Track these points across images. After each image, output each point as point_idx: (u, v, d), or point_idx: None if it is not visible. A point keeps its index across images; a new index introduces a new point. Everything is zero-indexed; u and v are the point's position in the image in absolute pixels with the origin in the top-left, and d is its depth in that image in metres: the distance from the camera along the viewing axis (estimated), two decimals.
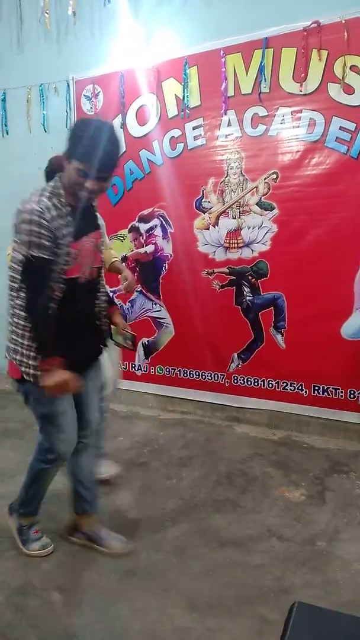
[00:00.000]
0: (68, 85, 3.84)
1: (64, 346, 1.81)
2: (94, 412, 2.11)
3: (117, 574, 2.01)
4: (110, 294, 2.18)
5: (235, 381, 3.55)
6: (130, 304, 3.89)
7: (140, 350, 3.89)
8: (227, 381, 3.57)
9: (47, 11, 3.78)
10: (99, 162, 1.71)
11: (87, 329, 1.99)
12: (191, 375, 3.70)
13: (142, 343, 3.88)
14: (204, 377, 3.66)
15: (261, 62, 3.13)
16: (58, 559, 2.10)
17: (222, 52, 3.24)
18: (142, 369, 3.91)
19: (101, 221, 2.72)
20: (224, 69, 3.26)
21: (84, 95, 3.80)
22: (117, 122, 3.69)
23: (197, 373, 3.68)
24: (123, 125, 3.67)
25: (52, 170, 2.51)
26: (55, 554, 2.13)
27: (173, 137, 3.51)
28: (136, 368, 3.93)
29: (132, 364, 3.94)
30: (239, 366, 3.52)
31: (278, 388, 3.41)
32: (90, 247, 1.90)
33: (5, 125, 4.19)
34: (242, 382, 3.52)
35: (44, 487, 2.14)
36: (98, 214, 2.04)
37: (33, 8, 3.89)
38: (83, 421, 2.06)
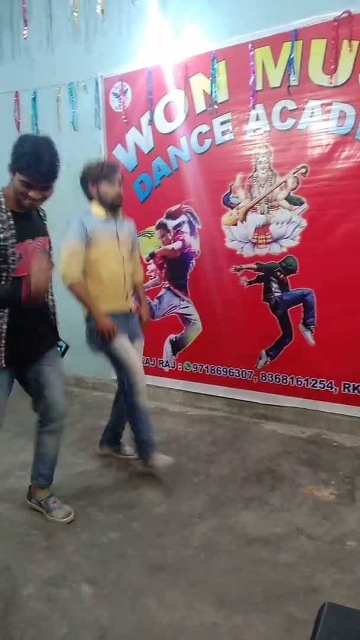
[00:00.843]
0: (97, 83, 3.87)
1: (16, 336, 2.04)
2: (57, 396, 2.28)
3: (146, 568, 2.03)
4: (54, 298, 2.28)
5: (264, 378, 3.52)
6: (157, 301, 3.91)
7: (167, 346, 3.90)
8: (255, 378, 3.55)
9: (76, 10, 3.82)
10: (39, 174, 1.91)
11: (37, 323, 2.15)
12: (219, 372, 3.70)
13: (170, 339, 3.89)
14: (231, 373, 3.65)
15: (290, 55, 3.08)
16: (87, 552, 2.13)
17: (250, 45, 3.21)
18: (170, 366, 3.92)
19: (132, 226, 2.83)
20: (252, 63, 3.23)
21: (113, 92, 3.82)
22: (145, 119, 3.70)
23: (224, 370, 3.67)
24: (151, 122, 3.68)
25: (85, 177, 2.68)
26: (85, 548, 2.16)
27: (201, 132, 3.50)
28: (164, 364, 3.95)
29: (159, 361, 3.96)
30: (267, 363, 3.50)
31: (307, 385, 3.37)
32: (36, 250, 2.06)
33: (36, 125, 4.25)
34: (271, 379, 3.49)
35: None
36: (45, 222, 2.21)
37: (62, 8, 3.93)
38: (47, 405, 2.26)
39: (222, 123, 3.41)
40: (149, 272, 3.91)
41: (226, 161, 3.44)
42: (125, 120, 3.79)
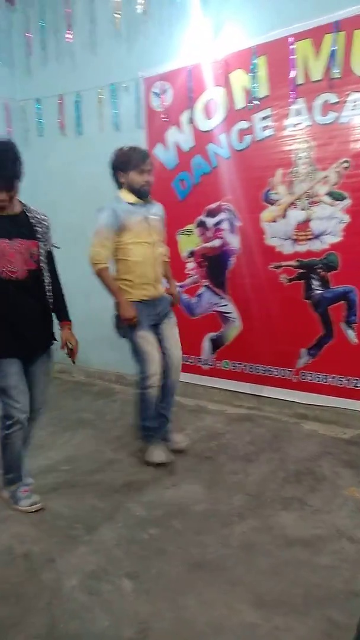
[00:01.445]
0: (137, 83, 3.90)
1: (9, 334, 2.28)
2: (39, 395, 2.48)
3: (185, 565, 2.05)
4: (50, 300, 2.44)
5: (304, 377, 3.47)
6: (197, 299, 3.92)
7: (206, 344, 3.91)
8: (295, 377, 3.51)
9: (118, 12, 3.85)
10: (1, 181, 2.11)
11: (25, 321, 2.33)
12: (258, 371, 3.67)
13: (209, 338, 3.90)
14: (271, 372, 3.62)
15: (332, 47, 3.01)
16: (128, 547, 2.17)
17: (291, 39, 3.15)
18: (209, 364, 3.93)
19: (160, 208, 2.87)
20: (293, 57, 3.17)
21: (153, 92, 3.85)
22: (185, 117, 3.71)
23: (264, 368, 3.64)
24: (191, 120, 3.68)
25: (115, 164, 2.71)
26: (126, 543, 2.20)
27: (241, 129, 3.47)
28: (202, 362, 3.95)
29: (198, 359, 3.97)
30: (308, 362, 3.44)
31: (349, 385, 3.30)
32: (12, 251, 2.24)
33: (79, 126, 4.33)
34: (311, 378, 3.44)
35: (15, 453, 2.44)
36: (36, 228, 2.37)
37: (104, 10, 3.98)
38: (33, 402, 2.43)
39: (263, 119, 3.38)
40: (188, 271, 3.92)
41: (266, 157, 3.41)
42: (165, 119, 3.80)
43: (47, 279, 2.40)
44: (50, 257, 2.45)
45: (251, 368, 3.71)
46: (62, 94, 4.36)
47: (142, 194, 2.71)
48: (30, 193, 4.83)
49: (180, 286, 3.98)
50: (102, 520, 2.37)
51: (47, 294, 2.41)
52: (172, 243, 3.92)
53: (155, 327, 2.87)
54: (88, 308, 3.82)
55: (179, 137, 3.78)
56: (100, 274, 2.68)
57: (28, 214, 2.38)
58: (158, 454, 2.84)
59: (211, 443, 3.16)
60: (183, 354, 3.97)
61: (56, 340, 2.51)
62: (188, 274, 3.93)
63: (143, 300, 2.75)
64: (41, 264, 2.36)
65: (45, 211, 4.91)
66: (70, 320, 2.57)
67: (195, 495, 2.57)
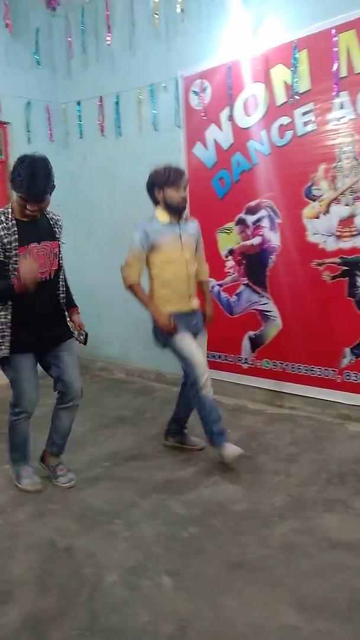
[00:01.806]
0: (176, 83, 3.91)
1: (27, 331, 2.41)
2: (74, 380, 2.61)
3: (225, 565, 2.03)
4: (62, 294, 2.61)
5: (348, 377, 3.38)
6: (236, 297, 3.88)
7: (246, 343, 3.87)
8: (339, 377, 3.42)
9: (157, 12, 3.87)
10: (31, 194, 2.27)
11: (46, 316, 2.50)
12: (299, 370, 3.60)
13: (249, 336, 3.86)
14: (313, 372, 3.54)
15: None
16: (168, 544, 2.17)
17: (333, 31, 3.08)
18: (249, 363, 3.89)
19: (195, 226, 2.93)
20: (336, 49, 3.10)
21: (192, 90, 3.85)
22: (224, 115, 3.69)
23: (306, 368, 3.57)
24: (230, 117, 3.66)
25: (152, 183, 2.79)
26: (165, 540, 2.21)
27: (282, 124, 3.42)
28: (242, 361, 3.92)
29: (238, 357, 3.93)
30: (352, 362, 3.35)
31: None
32: (42, 253, 2.41)
33: (119, 127, 4.39)
34: (355, 378, 3.35)
35: (20, 436, 2.65)
36: (55, 229, 2.54)
37: (143, 11, 4.01)
38: (66, 387, 2.60)
39: (304, 113, 3.31)
40: (228, 269, 3.90)
41: (308, 152, 3.34)
42: (204, 118, 3.79)
43: (62, 276, 2.59)
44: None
45: (292, 367, 3.64)
46: (102, 95, 4.43)
47: (178, 210, 2.79)
48: (71, 194, 4.96)
49: (219, 285, 3.96)
50: (142, 516, 2.38)
51: (61, 288, 2.59)
52: (211, 241, 3.92)
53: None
54: (127, 307, 3.84)
55: (219, 135, 3.76)
56: (131, 289, 2.80)
57: (47, 215, 2.53)
58: (233, 448, 2.76)
59: (251, 443, 3.13)
60: (222, 352, 3.98)
61: (69, 332, 2.64)
62: (227, 272, 3.90)
63: (179, 312, 2.82)
64: (61, 262, 2.56)
65: (85, 211, 5.05)
66: (77, 306, 2.74)
67: (235, 495, 2.54)
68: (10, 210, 2.37)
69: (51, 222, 2.53)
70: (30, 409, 2.57)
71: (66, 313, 2.64)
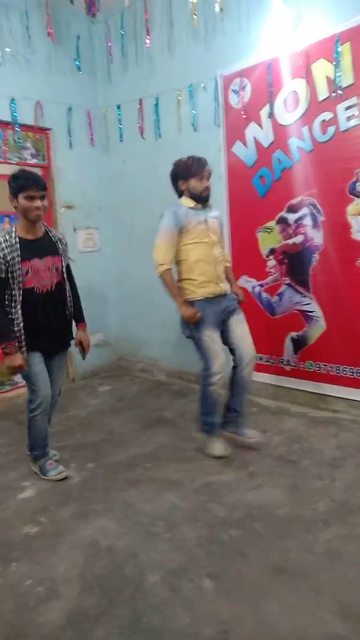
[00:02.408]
0: (216, 82, 3.89)
1: (35, 334, 2.67)
2: (57, 384, 2.89)
3: (267, 569, 2.00)
4: (70, 308, 2.87)
5: None
6: (277, 298, 3.82)
7: (288, 344, 3.80)
8: None
9: (195, 12, 3.87)
10: (37, 183, 2.56)
11: (51, 327, 2.74)
12: (344, 372, 3.51)
13: (291, 337, 3.79)
14: (359, 374, 3.44)
15: None
16: (209, 547, 2.16)
17: None
18: (291, 364, 3.82)
19: (218, 213, 3.02)
20: None
21: (232, 89, 3.82)
22: (264, 113, 3.64)
23: (351, 370, 3.47)
24: (270, 115, 3.60)
25: (175, 174, 2.89)
26: (206, 543, 2.19)
27: (324, 120, 3.34)
28: (284, 363, 3.85)
29: (280, 359, 3.87)
30: None
31: None
32: (43, 267, 2.68)
33: (158, 129, 4.41)
34: None
35: (40, 432, 2.83)
36: (59, 247, 2.79)
37: (182, 12, 4.01)
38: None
39: (347, 108, 3.22)
40: (269, 269, 3.84)
41: (352, 148, 3.24)
42: (244, 116, 3.76)
43: (68, 289, 2.83)
44: (68, 269, 2.87)
45: (337, 369, 3.55)
46: (141, 98, 4.46)
47: (202, 199, 2.88)
48: (112, 197, 5.03)
49: (260, 285, 3.91)
50: (183, 518, 2.38)
51: (68, 301, 2.83)
52: (252, 241, 3.88)
53: (223, 324, 2.94)
54: (169, 310, 3.85)
55: (259, 133, 3.71)
56: (163, 276, 2.84)
57: (50, 234, 2.79)
58: (219, 447, 2.93)
59: (294, 446, 3.07)
60: (264, 354, 3.91)
61: (73, 339, 2.92)
62: (269, 272, 3.84)
63: (207, 297, 2.86)
64: (64, 276, 2.80)
65: (126, 214, 5.12)
66: (84, 322, 2.97)
67: (278, 499, 2.50)
68: (14, 229, 2.65)
69: (54, 240, 2.79)
70: (46, 402, 2.75)
71: (70, 327, 2.90)
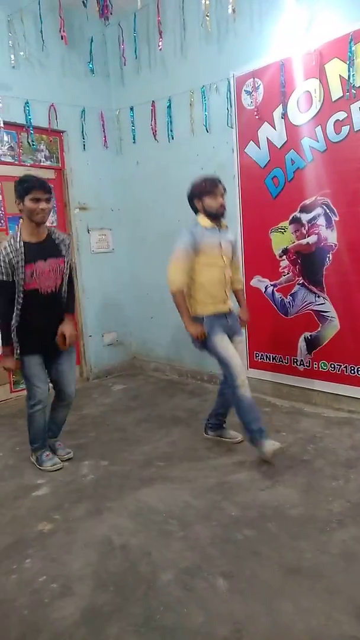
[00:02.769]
0: (228, 83, 3.89)
1: (34, 336, 2.78)
2: (68, 386, 2.99)
3: (281, 569, 1.99)
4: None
5: None
6: (291, 298, 3.81)
7: (302, 344, 3.79)
8: None
9: (208, 14, 3.88)
10: (42, 186, 2.65)
11: (50, 326, 2.83)
12: (359, 372, 3.48)
13: (305, 337, 3.77)
14: None
15: None
16: (222, 546, 2.16)
17: None
18: (305, 365, 3.80)
19: (232, 235, 3.13)
20: None
21: (244, 90, 3.82)
22: (277, 113, 3.63)
23: None
24: (284, 115, 3.60)
25: (191, 194, 2.99)
26: (220, 542, 2.19)
27: (337, 120, 3.33)
28: (298, 363, 3.83)
29: (293, 359, 3.85)
30: None
31: None
32: (47, 269, 2.76)
33: (171, 131, 4.42)
34: None
35: (39, 427, 2.96)
36: (61, 248, 2.85)
37: (195, 14, 4.03)
38: (60, 390, 2.99)
39: None
40: (282, 269, 3.83)
41: None
42: (257, 117, 3.75)
43: (65, 286, 2.89)
44: (71, 268, 2.94)
45: (352, 369, 3.52)
46: (154, 100, 4.48)
47: (217, 216, 2.97)
48: (125, 199, 5.05)
49: (273, 285, 3.91)
50: (197, 517, 2.38)
51: (63, 300, 2.91)
52: (265, 241, 3.87)
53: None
54: None
55: (272, 133, 3.71)
56: (174, 295, 2.92)
57: (53, 236, 2.86)
58: (271, 444, 2.84)
59: (308, 446, 3.05)
60: (277, 354, 3.92)
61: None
62: (282, 272, 3.83)
63: (215, 313, 2.97)
64: (65, 277, 2.88)
65: (139, 216, 5.15)
66: (72, 314, 3.00)
67: (291, 499, 2.49)
68: (19, 234, 2.73)
69: (57, 242, 2.86)
70: (43, 400, 2.89)
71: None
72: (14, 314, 2.74)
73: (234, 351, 2.92)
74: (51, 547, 2.24)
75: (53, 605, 1.88)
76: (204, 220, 2.97)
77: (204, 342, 2.96)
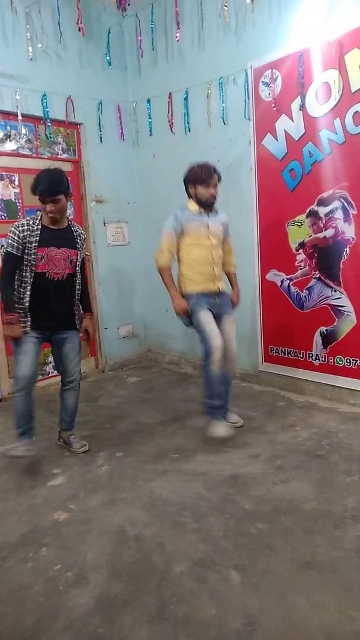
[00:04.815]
0: (246, 74, 3.85)
1: (39, 312, 2.84)
2: (72, 367, 3.05)
3: (295, 564, 1.99)
4: (77, 297, 3.03)
5: None
6: (307, 292, 3.78)
7: (317, 339, 3.76)
8: None
9: (226, 4, 3.84)
10: (46, 191, 2.72)
11: (57, 309, 2.91)
12: None
13: (320, 332, 3.74)
14: None
15: None
16: (236, 539, 2.16)
17: None
18: (320, 359, 3.77)
19: (224, 218, 3.24)
20: None
21: (262, 81, 3.78)
22: (295, 105, 3.59)
23: None
24: (302, 107, 3.55)
25: (186, 178, 3.13)
26: (233, 535, 2.19)
27: (357, 112, 3.27)
28: (313, 358, 3.81)
29: (309, 354, 3.83)
30: None
31: None
32: (59, 257, 2.85)
33: (188, 123, 4.40)
34: None
35: (20, 412, 2.91)
36: (77, 241, 2.95)
37: (212, 5, 3.99)
38: (64, 370, 3.06)
39: None
40: (298, 262, 3.80)
41: None
42: (275, 109, 3.71)
43: (78, 280, 2.99)
44: (82, 263, 3.03)
45: None
46: (171, 92, 4.45)
47: (206, 205, 3.09)
48: (141, 192, 5.05)
49: (289, 279, 3.88)
50: (210, 510, 2.39)
51: (77, 292, 3.00)
52: (281, 235, 3.84)
53: (216, 319, 3.10)
54: None
55: (289, 125, 3.66)
56: (161, 271, 3.11)
57: (72, 228, 2.96)
58: (222, 428, 3.05)
59: (323, 441, 3.04)
60: (292, 348, 3.90)
61: (78, 324, 3.05)
62: (298, 266, 3.80)
63: (202, 292, 3.10)
64: (77, 269, 2.95)
65: (154, 209, 5.15)
66: (91, 312, 3.16)
67: (305, 494, 2.48)
68: (39, 217, 2.83)
69: (74, 234, 2.95)
70: (26, 382, 2.85)
71: (78, 314, 3.06)
72: (22, 288, 2.82)
73: (214, 328, 3.01)
74: (66, 536, 2.27)
75: (68, 593, 1.91)
76: (192, 206, 3.10)
77: (189, 318, 3.10)
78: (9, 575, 2.03)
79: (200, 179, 3.02)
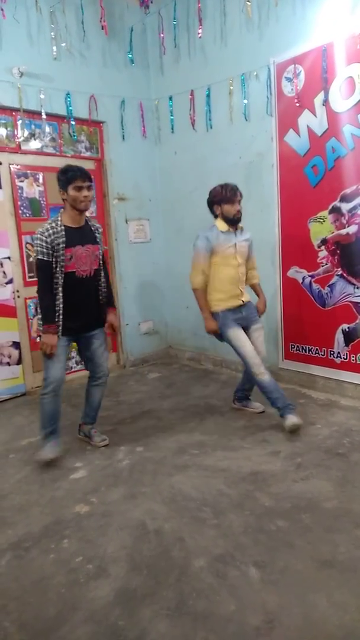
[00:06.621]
0: (269, 70, 3.82)
1: (69, 314, 2.85)
2: (102, 362, 3.09)
3: (315, 562, 1.98)
4: (104, 292, 3.06)
5: None
6: (329, 289, 3.74)
7: (339, 336, 3.72)
8: None
9: (249, 0, 3.81)
10: (84, 174, 2.76)
11: (86, 308, 2.95)
12: None
13: (342, 330, 3.70)
14: None
15: None
16: (255, 536, 2.17)
17: None
18: (342, 357, 3.73)
19: (249, 236, 3.36)
20: None
21: (285, 77, 3.74)
22: (318, 100, 3.55)
23: None
24: (325, 102, 3.51)
25: (211, 200, 3.26)
26: (253, 532, 2.20)
27: None
28: (335, 355, 3.77)
29: (330, 351, 3.80)
30: None
31: None
32: (84, 254, 2.88)
33: (210, 120, 4.39)
34: None
35: (48, 413, 2.94)
36: (97, 235, 2.97)
37: (236, 0, 3.96)
38: (94, 367, 3.09)
39: None
40: (320, 259, 3.76)
41: None
42: (297, 104, 3.68)
43: (103, 275, 3.02)
44: (103, 257, 3.05)
45: None
46: (193, 89, 4.45)
47: (234, 221, 3.23)
48: (162, 189, 5.07)
49: (311, 276, 3.85)
50: (230, 506, 2.40)
51: (102, 287, 3.03)
52: (303, 231, 3.81)
53: (244, 330, 3.29)
54: None
55: (312, 121, 3.63)
56: (194, 292, 3.30)
57: (90, 223, 2.98)
58: (292, 419, 3.13)
59: (344, 440, 3.01)
60: (314, 345, 3.87)
61: (104, 322, 3.08)
62: (320, 262, 3.77)
63: (229, 309, 3.27)
64: (101, 263, 3.00)
65: (176, 206, 5.17)
66: (115, 307, 3.17)
67: (326, 492, 2.47)
68: (60, 219, 2.83)
69: (93, 229, 2.98)
70: (56, 385, 2.90)
71: (104, 309, 3.07)
72: (57, 293, 2.82)
73: (246, 342, 3.21)
74: (87, 528, 2.30)
75: (89, 585, 1.94)
76: (221, 224, 3.23)
77: (220, 335, 3.29)
78: (32, 566, 2.07)
79: (226, 198, 3.17)
